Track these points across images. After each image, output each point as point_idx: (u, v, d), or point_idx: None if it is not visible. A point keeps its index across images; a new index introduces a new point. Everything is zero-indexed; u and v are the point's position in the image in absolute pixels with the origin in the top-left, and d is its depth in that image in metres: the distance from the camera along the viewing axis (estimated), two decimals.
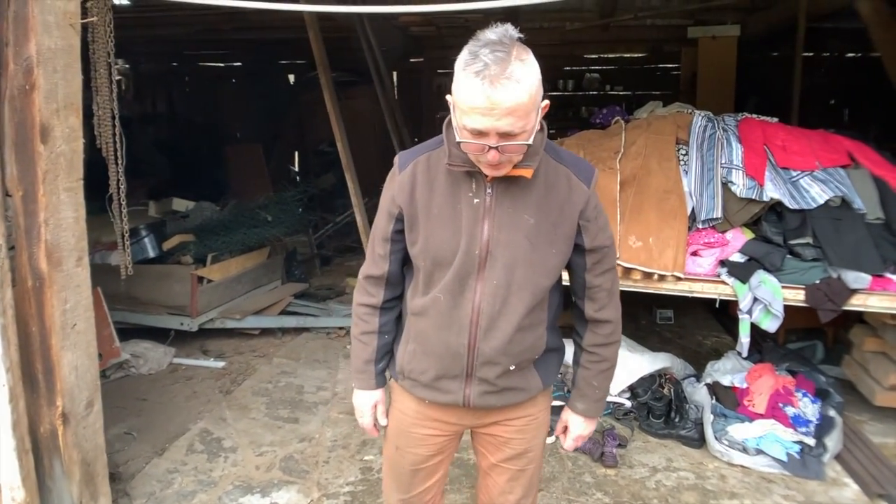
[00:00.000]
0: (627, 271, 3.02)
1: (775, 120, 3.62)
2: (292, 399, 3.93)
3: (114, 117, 2.49)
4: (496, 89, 1.30)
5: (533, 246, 1.53)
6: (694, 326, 5.30)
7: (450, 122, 1.51)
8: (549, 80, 9.18)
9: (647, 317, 5.46)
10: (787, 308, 3.14)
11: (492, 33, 1.35)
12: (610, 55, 8.43)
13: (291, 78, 9.73)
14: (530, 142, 1.40)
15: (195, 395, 4.02)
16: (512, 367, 1.62)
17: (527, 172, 1.48)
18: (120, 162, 2.52)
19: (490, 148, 1.37)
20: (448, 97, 1.45)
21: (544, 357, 1.70)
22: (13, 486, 2.15)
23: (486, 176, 1.50)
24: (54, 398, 2.18)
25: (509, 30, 1.36)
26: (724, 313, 5.17)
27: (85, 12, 2.16)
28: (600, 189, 3.18)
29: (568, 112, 8.69)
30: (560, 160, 1.58)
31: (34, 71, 1.98)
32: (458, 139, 1.42)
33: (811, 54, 7.80)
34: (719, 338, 5.04)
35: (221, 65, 9.62)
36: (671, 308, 5.42)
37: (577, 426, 1.79)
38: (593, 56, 8.46)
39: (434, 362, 1.64)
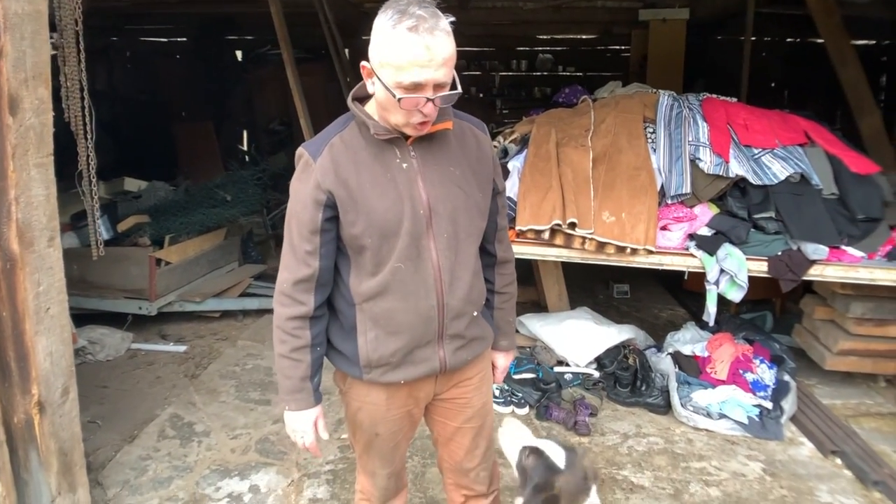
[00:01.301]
0: (601, 245, 3.10)
1: (735, 100, 3.76)
2: (262, 381, 3.87)
3: (82, 89, 2.36)
4: (435, 39, 1.37)
5: (465, 192, 1.62)
6: (649, 300, 5.50)
7: (359, 97, 1.59)
8: (503, 61, 9.18)
9: (605, 291, 5.63)
10: None
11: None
12: (562, 36, 8.51)
13: (239, 54, 9.40)
14: (459, 91, 1.48)
15: (159, 380, 3.91)
16: (475, 314, 1.71)
17: (448, 125, 1.58)
18: (90, 136, 2.40)
19: (427, 100, 1.42)
20: (365, 64, 1.49)
21: (484, 306, 1.81)
22: None
23: (407, 140, 1.56)
24: (29, 386, 2.08)
25: None
26: (678, 287, 5.38)
27: None
28: (574, 165, 3.24)
29: (521, 92, 8.78)
30: (458, 117, 1.68)
31: (1, 37, 1.85)
32: (395, 97, 1.42)
33: (754, 38, 8.12)
34: (674, 310, 5.25)
35: (164, 40, 9.20)
36: (627, 283, 5.60)
37: (505, 360, 1.97)
38: (546, 37, 8.52)
39: (404, 337, 1.62)
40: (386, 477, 1.89)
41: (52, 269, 2.11)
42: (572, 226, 3.05)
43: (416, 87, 1.41)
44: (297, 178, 1.60)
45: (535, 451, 1.66)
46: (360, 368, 1.67)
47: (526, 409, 3.52)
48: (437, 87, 1.43)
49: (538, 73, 8.67)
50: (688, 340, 3.99)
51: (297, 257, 1.59)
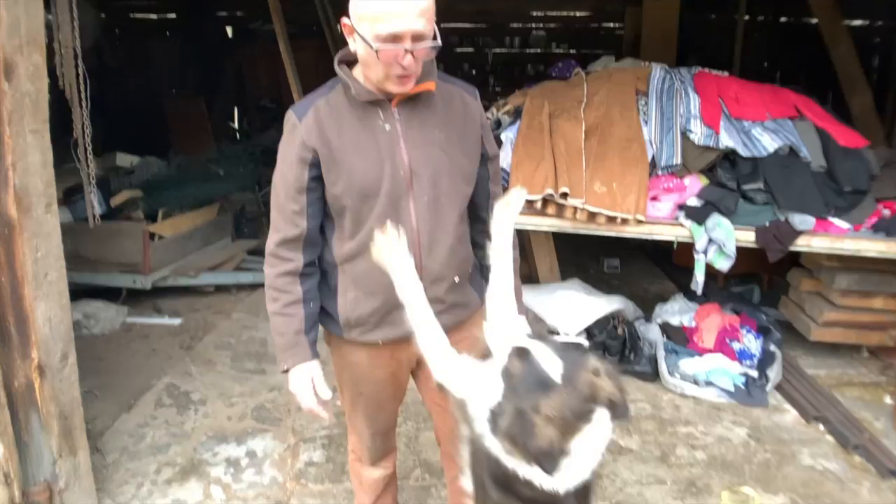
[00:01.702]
0: (592, 215, 3.15)
1: (726, 74, 3.80)
2: (257, 352, 3.92)
3: (76, 56, 2.36)
4: None
5: (449, 156, 1.61)
6: (639, 274, 5.57)
7: (343, 60, 1.60)
8: (496, 37, 9.11)
9: (595, 266, 5.69)
10: None
11: None
12: (556, 13, 8.47)
13: (229, 30, 9.31)
14: (439, 43, 1.48)
15: (155, 352, 3.95)
16: (456, 280, 1.70)
17: (431, 85, 1.57)
18: (84, 104, 2.40)
19: (406, 52, 1.42)
20: (345, 20, 1.49)
21: (473, 273, 1.80)
22: None
23: (391, 102, 1.57)
24: (29, 351, 2.11)
25: None
26: (667, 262, 5.46)
27: None
28: (566, 136, 3.28)
29: (514, 70, 8.75)
30: (448, 81, 1.69)
31: None
32: (374, 48, 1.43)
33: (747, 17, 8.12)
34: (663, 284, 5.31)
35: (154, 17, 9.09)
36: (617, 257, 5.66)
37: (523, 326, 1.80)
38: (539, 13, 8.48)
39: (381, 297, 1.63)
40: (371, 436, 1.93)
41: (50, 235, 2.14)
42: (564, 195, 3.09)
43: (394, 37, 1.41)
44: (284, 140, 1.62)
45: (524, 354, 1.25)
46: (340, 327, 1.72)
47: None
48: (416, 38, 1.43)
49: (531, 51, 8.64)
50: (676, 311, 4.06)
51: (285, 217, 1.62)
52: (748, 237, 3.20)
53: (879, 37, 7.73)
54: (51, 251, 2.14)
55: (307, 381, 1.66)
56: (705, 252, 3.16)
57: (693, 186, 3.24)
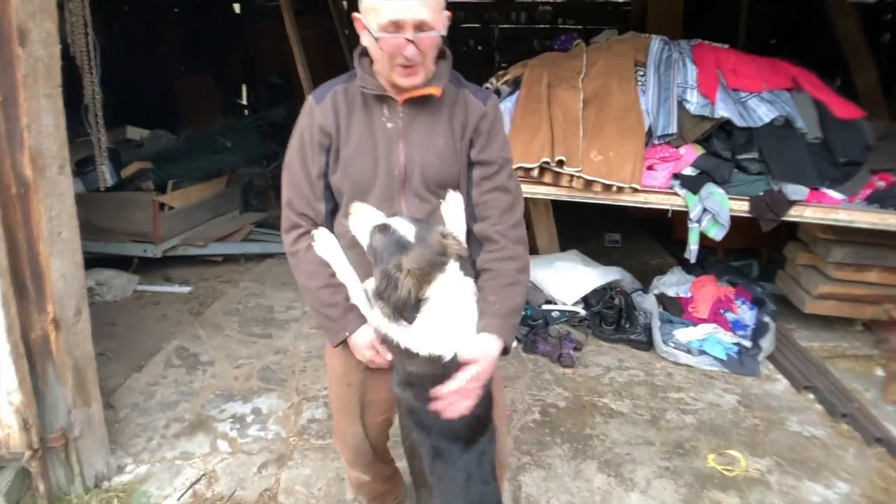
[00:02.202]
0: (589, 184, 3.21)
1: (726, 46, 3.82)
2: (263, 318, 4.04)
3: (86, 24, 2.44)
4: None
5: (442, 161, 1.61)
6: (640, 249, 5.63)
7: (361, 52, 1.60)
8: (502, 12, 9.10)
9: (596, 241, 5.75)
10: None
11: None
12: None
13: (237, 7, 9.33)
14: (443, 32, 1.49)
15: (165, 317, 4.07)
16: None
17: (436, 90, 1.56)
18: (95, 71, 2.49)
19: (408, 41, 1.44)
20: (356, 16, 1.52)
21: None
22: (10, 390, 2.21)
23: (398, 101, 1.58)
24: (45, 304, 2.23)
25: None
26: (667, 236, 5.51)
27: None
28: (564, 106, 3.33)
29: (521, 45, 8.73)
30: (461, 85, 1.67)
31: None
32: (376, 36, 1.46)
33: None
34: (663, 259, 5.37)
35: None
36: (618, 232, 5.72)
37: (475, 346, 1.55)
38: None
39: (363, 276, 1.66)
40: (355, 437, 1.90)
41: (63, 195, 2.24)
42: (560, 164, 3.16)
43: (396, 26, 1.43)
44: (300, 124, 1.65)
45: (384, 229, 1.49)
46: None
47: (514, 343, 3.67)
48: (419, 28, 1.44)
49: (538, 26, 8.62)
50: (673, 283, 4.14)
51: (303, 200, 1.65)
52: (742, 206, 3.26)
53: (892, 13, 7.65)
54: (64, 210, 2.24)
55: (370, 342, 1.66)
56: (699, 221, 3.22)
57: (688, 156, 3.29)
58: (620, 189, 3.21)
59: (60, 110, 2.20)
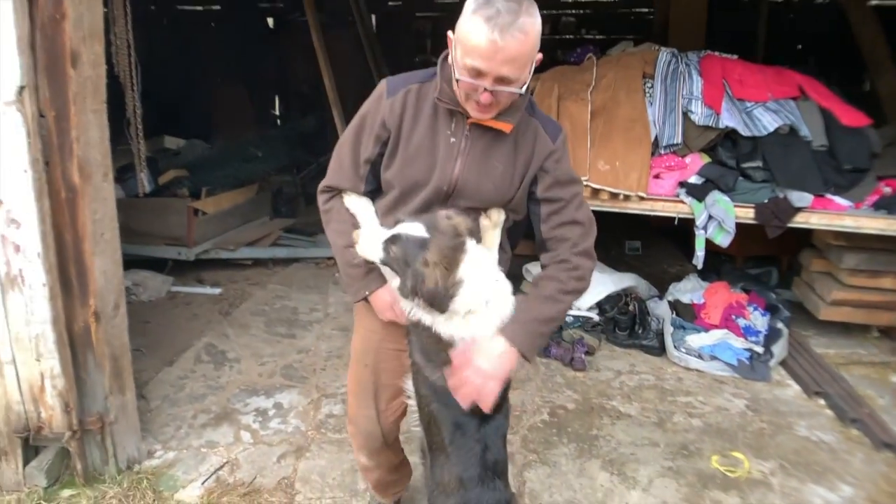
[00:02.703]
0: (595, 192, 3.33)
1: (735, 57, 3.90)
2: (288, 318, 4.24)
3: (129, 46, 2.67)
4: (504, 38, 1.38)
5: (496, 188, 1.65)
6: (660, 256, 5.69)
7: (446, 57, 1.59)
8: None
9: (617, 248, 5.83)
10: (744, 236, 3.50)
11: None
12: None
13: (271, 21, 9.68)
14: (522, 91, 1.50)
15: (196, 317, 4.30)
16: None
17: (506, 127, 1.58)
18: (136, 88, 2.72)
19: (485, 89, 1.46)
20: (450, 34, 1.53)
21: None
22: (54, 375, 2.43)
23: (467, 118, 1.59)
24: (87, 298, 2.44)
25: None
26: (688, 245, 5.54)
27: None
28: (573, 117, 3.46)
29: (544, 55, 8.83)
30: (533, 115, 1.68)
31: (64, 2, 2.16)
32: (456, 76, 1.49)
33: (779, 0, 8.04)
34: (682, 266, 5.42)
35: (200, 8, 9.53)
36: (639, 240, 5.79)
37: (488, 344, 1.59)
38: (569, 0, 8.57)
39: None
40: (367, 420, 1.97)
41: (107, 200, 2.45)
42: None
43: (476, 73, 1.44)
44: (367, 107, 1.70)
45: (395, 239, 1.56)
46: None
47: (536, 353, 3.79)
48: (499, 81, 1.45)
49: (561, 37, 8.73)
50: (688, 290, 4.21)
51: (345, 174, 1.75)
52: (748, 214, 3.34)
53: None
54: (107, 214, 2.46)
55: (389, 301, 1.75)
56: (705, 228, 3.31)
57: (694, 164, 3.39)
58: (627, 197, 3.32)
59: (105, 124, 2.41)
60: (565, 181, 1.69)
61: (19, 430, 2.52)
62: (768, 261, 5.05)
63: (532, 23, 1.43)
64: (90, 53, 2.28)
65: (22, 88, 2.18)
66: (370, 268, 1.74)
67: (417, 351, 1.69)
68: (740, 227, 3.57)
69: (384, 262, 1.60)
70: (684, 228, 4.50)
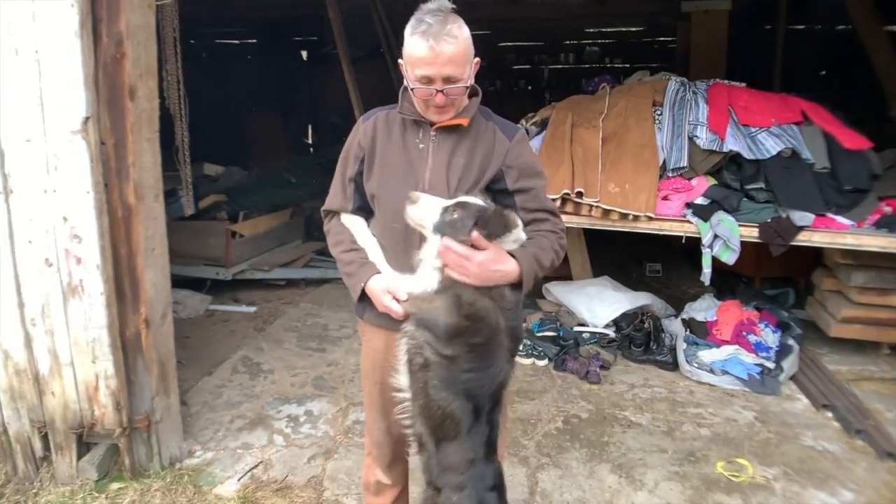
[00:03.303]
0: (606, 213, 3.53)
1: (743, 85, 4.09)
2: (319, 334, 4.49)
3: (178, 81, 3.00)
4: (439, 43, 1.67)
5: (460, 180, 1.84)
6: (679, 278, 5.81)
7: (404, 88, 1.86)
8: (551, 53, 9.47)
9: (638, 270, 5.97)
10: (762, 258, 3.63)
11: (431, 4, 1.72)
12: (609, 29, 8.79)
13: (304, 54, 10.16)
14: (468, 83, 1.76)
15: (232, 332, 4.58)
16: None
17: (464, 121, 1.84)
18: (184, 119, 3.03)
19: (437, 91, 1.72)
20: (400, 61, 1.81)
21: None
22: (108, 375, 2.70)
23: (432, 126, 1.84)
24: (139, 307, 2.72)
25: (444, 2, 1.74)
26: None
27: None
28: (585, 143, 3.68)
29: (569, 85, 9.09)
30: (490, 119, 1.92)
31: (124, 43, 2.48)
32: (410, 86, 1.75)
33: (802, 27, 8.17)
34: (701, 288, 5.48)
35: (237, 42, 10.06)
36: (659, 262, 5.93)
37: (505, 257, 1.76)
38: (593, 30, 8.82)
39: None
40: (380, 431, 2.11)
41: (157, 219, 2.74)
42: (579, 195, 3.49)
43: (427, 79, 1.71)
44: (350, 137, 1.97)
45: (462, 203, 1.73)
46: (363, 309, 1.97)
47: (545, 361, 3.98)
48: (447, 81, 1.71)
49: (586, 66, 8.98)
50: (703, 309, 4.35)
51: (337, 194, 1.98)
52: (752, 233, 3.49)
53: None
54: (157, 231, 2.75)
55: (383, 287, 1.84)
56: (711, 246, 3.47)
57: (700, 187, 3.57)
58: (636, 217, 3.51)
59: (157, 151, 2.72)
60: (531, 173, 1.90)
61: (75, 426, 2.79)
62: (786, 282, 5.14)
63: (459, 29, 1.70)
64: (146, 88, 2.60)
65: (86, 119, 2.50)
66: (362, 262, 1.90)
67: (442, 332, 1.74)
68: (758, 250, 3.71)
69: (436, 226, 1.74)
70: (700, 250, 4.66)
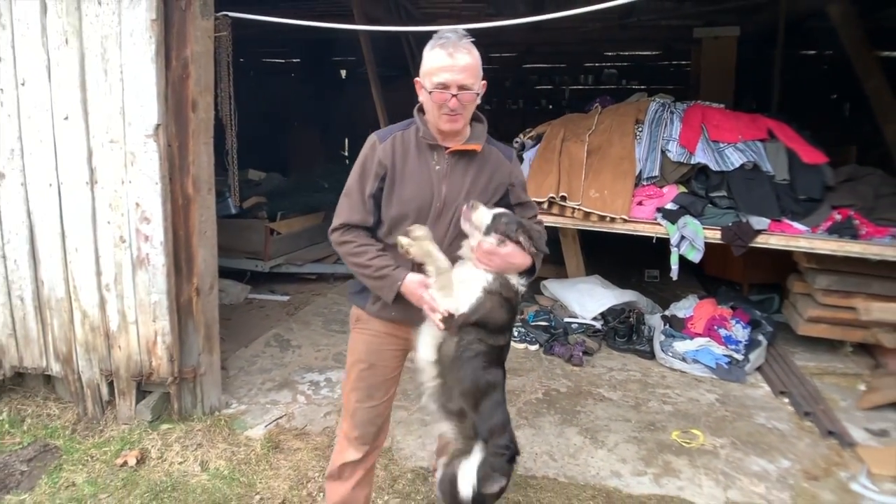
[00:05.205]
0: (587, 215, 4.06)
1: (721, 105, 4.58)
2: (342, 319, 5.09)
3: (230, 97, 3.66)
4: (456, 54, 1.93)
5: (472, 197, 2.06)
6: (675, 283, 6.16)
7: (419, 107, 2.09)
8: (571, 75, 9.99)
9: (638, 275, 6.42)
10: (749, 265, 3.99)
11: (449, 31, 1.99)
12: (627, 52, 9.26)
13: (343, 73, 10.92)
14: (479, 93, 2.00)
15: (267, 316, 5.23)
16: None
17: (477, 146, 2.08)
18: (233, 128, 3.70)
19: (452, 96, 1.93)
20: (417, 80, 2.03)
21: None
22: (164, 333, 3.34)
23: (446, 150, 2.04)
24: (192, 278, 3.36)
25: (460, 29, 2.02)
26: (701, 274, 6.10)
27: (216, 28, 3.31)
28: (571, 155, 4.22)
29: (588, 105, 9.59)
30: (493, 145, 2.18)
31: (189, 66, 3.15)
32: (429, 90, 1.95)
33: (813, 52, 8.51)
34: (695, 292, 5.94)
35: (282, 61, 10.90)
36: (657, 269, 6.37)
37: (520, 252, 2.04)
38: (611, 53, 9.32)
39: None
40: (366, 410, 2.24)
41: (209, 207, 3.39)
42: (564, 198, 4.03)
43: (444, 86, 1.93)
44: (364, 154, 2.11)
45: (504, 214, 2.05)
46: (369, 301, 2.17)
47: (536, 346, 4.50)
48: (461, 88, 1.93)
49: (604, 87, 9.46)
50: (684, 307, 4.81)
51: (354, 209, 2.11)
52: (715, 235, 3.97)
53: None
54: (209, 218, 3.39)
55: (421, 285, 2.02)
56: (678, 246, 3.96)
57: (670, 194, 4.07)
58: (613, 219, 4.03)
59: (211, 153, 3.37)
60: (525, 187, 2.27)
61: (135, 375, 3.43)
62: (772, 288, 5.53)
63: (472, 48, 1.98)
64: (204, 102, 3.26)
65: (158, 126, 3.16)
66: (395, 265, 2.06)
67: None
68: (746, 258, 4.11)
69: (488, 227, 2.02)
70: (700, 261, 5.05)
